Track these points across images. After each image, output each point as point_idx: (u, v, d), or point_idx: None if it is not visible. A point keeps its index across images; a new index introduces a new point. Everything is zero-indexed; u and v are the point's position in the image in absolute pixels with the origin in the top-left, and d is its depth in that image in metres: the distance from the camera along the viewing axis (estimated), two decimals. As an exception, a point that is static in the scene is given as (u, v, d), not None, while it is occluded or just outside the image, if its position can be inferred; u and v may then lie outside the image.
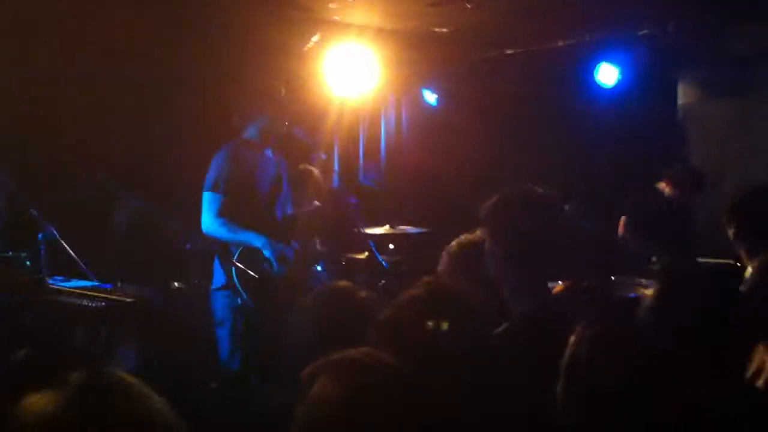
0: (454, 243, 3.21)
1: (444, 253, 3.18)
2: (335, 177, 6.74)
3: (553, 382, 1.99)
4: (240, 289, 4.25)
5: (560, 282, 3.07)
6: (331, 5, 5.58)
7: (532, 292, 2.71)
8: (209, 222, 4.37)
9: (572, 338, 2.00)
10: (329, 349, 1.76)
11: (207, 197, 4.37)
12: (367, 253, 5.40)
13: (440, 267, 3.13)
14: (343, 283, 2.66)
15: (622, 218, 5.98)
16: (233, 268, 4.27)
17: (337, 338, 1.96)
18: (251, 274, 4.29)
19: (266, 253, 4.35)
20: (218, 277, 4.40)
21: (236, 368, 4.28)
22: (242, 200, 4.39)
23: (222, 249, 4.37)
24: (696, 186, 5.95)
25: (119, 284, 3.93)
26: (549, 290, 2.87)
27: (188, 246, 4.45)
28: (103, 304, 3.50)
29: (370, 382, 1.63)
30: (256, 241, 4.36)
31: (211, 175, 4.39)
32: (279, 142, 4.65)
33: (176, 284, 4.66)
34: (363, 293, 2.51)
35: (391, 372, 1.68)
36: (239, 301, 4.27)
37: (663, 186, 5.98)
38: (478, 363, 2.05)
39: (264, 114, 4.53)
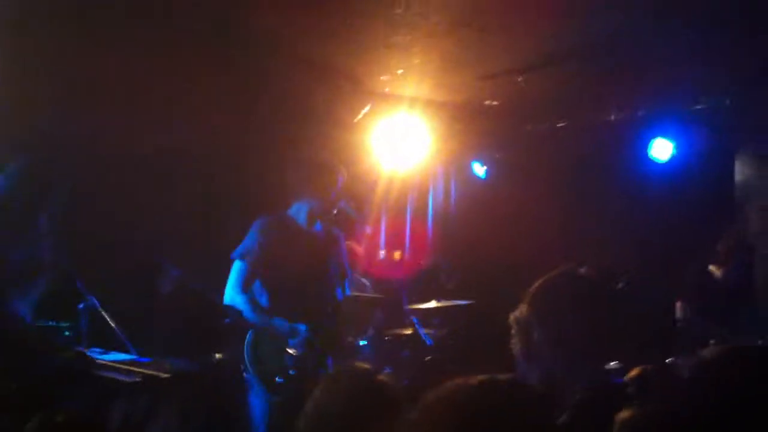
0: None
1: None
2: (381, 250, 6.67)
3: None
4: (249, 368, 4.13)
5: (613, 363, 2.95)
6: (382, 78, 5.61)
7: (585, 377, 2.59)
8: (232, 294, 4.27)
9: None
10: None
11: (234, 267, 4.29)
12: (411, 329, 5.28)
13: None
14: (361, 365, 2.54)
15: (679, 302, 5.77)
16: (245, 349, 4.16)
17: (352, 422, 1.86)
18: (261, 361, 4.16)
19: (290, 342, 4.21)
20: None
21: None
22: (271, 274, 4.28)
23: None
24: (752, 263, 5.75)
25: (157, 358, 3.87)
26: (604, 374, 2.73)
27: (227, 320, 4.37)
28: (140, 379, 3.44)
29: None
30: (278, 326, 4.22)
31: (241, 245, 4.31)
32: (329, 220, 4.54)
33: (218, 356, 4.59)
34: (382, 377, 2.40)
35: None
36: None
37: (717, 266, 5.77)
38: None
39: (314, 189, 4.41)
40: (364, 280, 5.61)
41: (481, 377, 2.04)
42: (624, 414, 1.90)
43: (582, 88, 5.72)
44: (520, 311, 3.22)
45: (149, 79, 4.90)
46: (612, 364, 2.98)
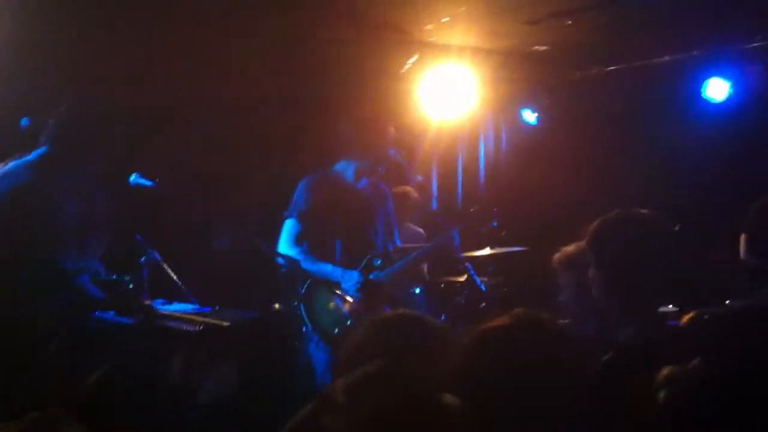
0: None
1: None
2: (434, 200, 6.68)
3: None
4: (307, 322, 4.21)
5: (670, 307, 2.94)
6: (427, 27, 5.56)
7: (638, 319, 2.60)
8: (285, 248, 4.38)
9: (679, 371, 1.88)
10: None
11: (285, 224, 4.39)
12: (465, 276, 5.31)
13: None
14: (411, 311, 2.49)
15: (743, 237, 5.67)
16: (301, 305, 4.24)
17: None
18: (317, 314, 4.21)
19: (343, 285, 4.28)
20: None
21: None
22: (321, 230, 4.34)
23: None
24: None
25: (217, 308, 3.97)
26: (658, 317, 2.73)
27: (282, 270, 4.46)
28: (201, 328, 3.54)
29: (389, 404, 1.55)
30: (331, 274, 4.30)
31: (291, 203, 4.39)
32: (377, 171, 4.58)
33: (276, 306, 4.69)
34: (435, 322, 2.38)
35: (415, 392, 1.59)
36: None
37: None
38: (573, 398, 1.94)
39: (362, 145, 4.44)
40: (417, 229, 5.64)
41: (516, 313, 2.07)
42: (665, 372, 1.88)
43: (632, 30, 5.60)
44: (571, 252, 3.25)
45: (199, 40, 4.96)
46: (669, 307, 2.97)
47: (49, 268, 3.40)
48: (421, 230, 5.66)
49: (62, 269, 3.47)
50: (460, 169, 7.29)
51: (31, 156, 3.58)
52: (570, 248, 3.29)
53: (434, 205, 6.72)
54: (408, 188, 5.59)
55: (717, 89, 6.42)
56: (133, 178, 3.99)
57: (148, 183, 4.02)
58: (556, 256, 3.32)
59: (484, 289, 5.26)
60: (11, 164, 3.56)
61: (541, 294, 3.26)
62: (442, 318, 4.97)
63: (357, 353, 2.19)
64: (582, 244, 3.17)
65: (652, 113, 6.66)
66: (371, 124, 4.51)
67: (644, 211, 2.73)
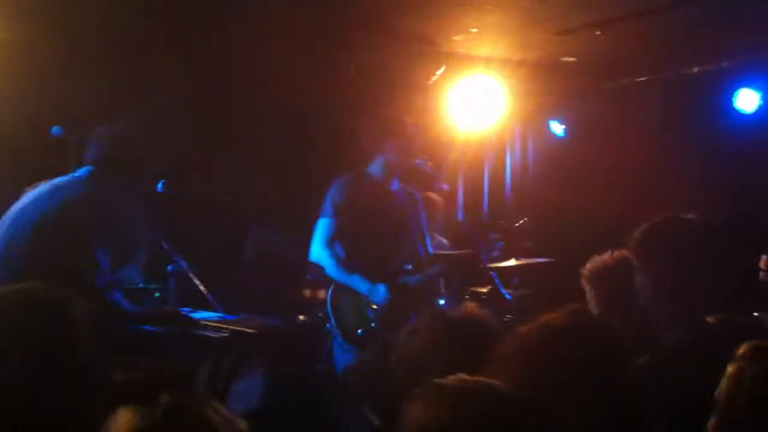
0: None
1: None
2: (460, 211, 6.67)
3: (704, 416, 1.86)
4: (331, 318, 4.23)
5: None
6: (456, 38, 5.57)
7: (686, 323, 2.58)
8: (318, 250, 4.39)
9: (731, 372, 1.85)
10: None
11: (320, 224, 4.40)
12: (490, 287, 5.28)
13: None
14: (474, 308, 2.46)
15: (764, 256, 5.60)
16: (327, 299, 4.25)
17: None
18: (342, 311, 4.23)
19: (370, 299, 4.29)
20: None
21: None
22: (356, 231, 4.36)
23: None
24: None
25: (244, 315, 3.98)
26: (705, 323, 2.70)
27: (309, 276, 4.48)
28: (227, 335, 3.55)
29: (472, 410, 1.53)
30: (360, 286, 4.31)
31: (325, 203, 4.41)
32: (405, 175, 4.62)
33: (301, 317, 4.70)
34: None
35: (499, 399, 1.57)
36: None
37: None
38: (614, 397, 1.93)
39: (390, 148, 4.49)
40: (443, 239, 5.63)
41: (570, 309, 2.06)
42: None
43: (662, 41, 5.57)
44: (604, 261, 3.22)
45: (237, 49, 5.02)
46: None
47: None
48: (445, 241, 5.65)
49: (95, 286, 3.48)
50: (486, 180, 7.26)
51: (79, 173, 3.64)
52: (604, 257, 3.26)
53: (460, 215, 6.69)
54: (434, 195, 5.59)
55: (748, 100, 6.36)
56: (161, 185, 4.02)
57: (176, 191, 4.06)
58: (587, 266, 3.29)
59: (509, 298, 5.23)
60: (60, 179, 3.63)
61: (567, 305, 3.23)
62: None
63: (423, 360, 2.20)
64: (619, 253, 3.15)
65: (681, 125, 6.60)
66: (397, 122, 4.56)
67: (691, 216, 2.71)
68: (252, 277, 5.34)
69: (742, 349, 1.87)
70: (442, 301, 4.94)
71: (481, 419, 1.48)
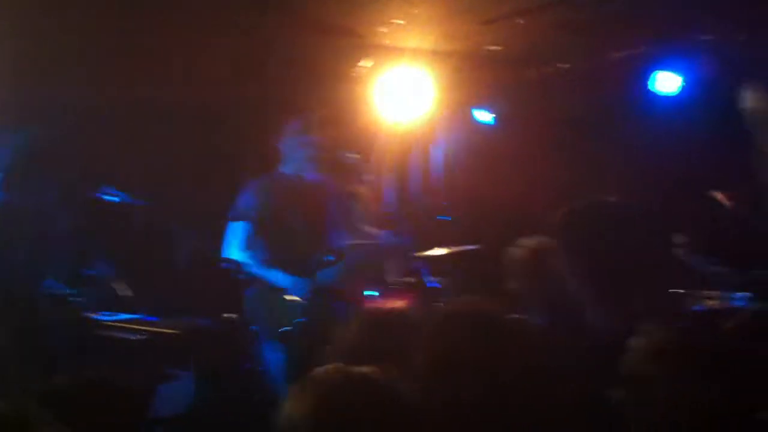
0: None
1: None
2: (386, 202, 6.65)
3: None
4: (255, 321, 4.19)
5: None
6: (381, 29, 5.55)
7: (613, 309, 2.58)
8: (235, 252, 4.37)
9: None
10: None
11: (234, 227, 4.36)
12: (416, 276, 5.30)
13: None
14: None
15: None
16: (247, 302, 4.21)
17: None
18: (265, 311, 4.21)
19: (292, 294, 4.25)
20: None
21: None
22: (274, 232, 4.34)
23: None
24: (757, 203, 5.65)
25: (166, 317, 3.91)
26: (633, 307, 2.72)
27: (239, 275, 4.43)
28: (146, 337, 3.48)
29: (335, 399, 1.55)
30: (281, 282, 4.28)
31: (238, 206, 4.38)
32: (327, 168, 4.61)
33: (226, 315, 4.64)
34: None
35: (364, 386, 1.60)
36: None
37: (721, 198, 5.70)
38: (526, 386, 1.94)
39: (307, 142, 4.47)
40: (371, 229, 5.61)
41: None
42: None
43: (581, 28, 5.63)
44: (530, 245, 3.24)
45: (149, 39, 4.90)
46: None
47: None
48: (373, 230, 5.64)
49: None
50: (413, 170, 7.26)
51: None
52: (529, 241, 3.28)
53: (387, 205, 6.69)
54: (359, 187, 5.57)
55: (667, 82, 6.46)
56: (100, 192, 3.97)
57: (115, 198, 4.00)
58: (512, 250, 3.31)
59: (438, 287, 5.25)
60: None
61: (495, 289, 3.24)
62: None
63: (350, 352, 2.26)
64: (544, 237, 3.17)
65: (606, 109, 6.70)
66: (317, 116, 4.55)
67: (612, 199, 2.73)
68: (186, 281, 5.28)
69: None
70: (367, 292, 4.94)
71: (343, 409, 1.51)
